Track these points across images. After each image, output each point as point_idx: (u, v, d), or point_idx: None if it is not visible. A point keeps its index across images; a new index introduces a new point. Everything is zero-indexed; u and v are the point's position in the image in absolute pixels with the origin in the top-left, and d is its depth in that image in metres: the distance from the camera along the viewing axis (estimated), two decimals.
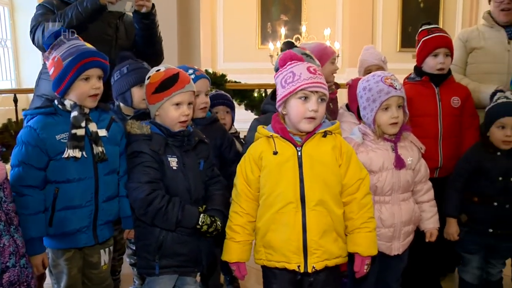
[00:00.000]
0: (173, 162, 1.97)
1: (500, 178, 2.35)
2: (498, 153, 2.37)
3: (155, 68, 2.06)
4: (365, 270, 1.89)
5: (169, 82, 1.97)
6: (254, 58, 8.93)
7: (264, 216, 1.86)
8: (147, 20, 2.61)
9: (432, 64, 2.62)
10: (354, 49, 8.12)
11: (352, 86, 2.48)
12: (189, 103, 2.01)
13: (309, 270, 1.81)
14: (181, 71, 2.04)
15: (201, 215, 1.95)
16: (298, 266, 1.81)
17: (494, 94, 2.47)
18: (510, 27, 2.95)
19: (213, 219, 1.97)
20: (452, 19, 9.34)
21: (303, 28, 8.67)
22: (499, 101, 2.40)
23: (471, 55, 3.04)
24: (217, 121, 2.48)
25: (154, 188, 1.92)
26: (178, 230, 1.96)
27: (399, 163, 2.10)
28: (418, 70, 2.70)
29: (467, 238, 2.47)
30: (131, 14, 2.60)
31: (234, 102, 2.99)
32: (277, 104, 1.87)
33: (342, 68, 8.47)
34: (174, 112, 1.98)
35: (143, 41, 2.70)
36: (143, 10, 2.55)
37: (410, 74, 2.76)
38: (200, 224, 1.93)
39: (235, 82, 5.14)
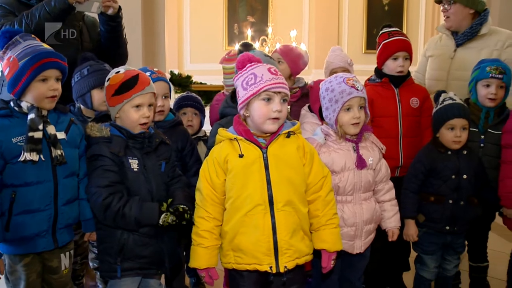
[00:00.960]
0: (134, 164, 1.95)
1: (453, 176, 2.41)
2: (449, 152, 2.44)
3: (115, 70, 2.04)
4: (331, 265, 1.93)
5: (129, 84, 1.95)
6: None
7: (231, 220, 1.85)
8: (113, 23, 2.58)
9: (392, 67, 2.66)
10: (321, 51, 8.19)
11: (314, 88, 2.51)
12: (150, 105, 2.00)
13: (281, 270, 1.81)
14: (141, 73, 2.03)
15: (163, 214, 1.90)
16: (270, 267, 1.81)
17: (438, 95, 2.54)
18: (458, 35, 2.97)
19: (172, 210, 1.90)
20: (415, 22, 9.55)
21: (270, 30, 8.72)
22: (445, 102, 2.45)
23: (428, 62, 3.13)
24: (180, 124, 2.47)
25: (111, 192, 1.89)
26: (140, 232, 1.93)
27: (361, 163, 2.13)
28: (378, 72, 2.75)
29: (425, 240, 2.52)
30: (97, 15, 2.57)
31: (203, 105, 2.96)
32: (239, 107, 1.86)
33: (309, 70, 8.56)
34: (134, 114, 1.96)
35: (109, 43, 2.66)
36: (110, 11, 2.52)
37: (371, 76, 2.80)
38: (162, 221, 1.89)
39: (201, 83, 5.14)
